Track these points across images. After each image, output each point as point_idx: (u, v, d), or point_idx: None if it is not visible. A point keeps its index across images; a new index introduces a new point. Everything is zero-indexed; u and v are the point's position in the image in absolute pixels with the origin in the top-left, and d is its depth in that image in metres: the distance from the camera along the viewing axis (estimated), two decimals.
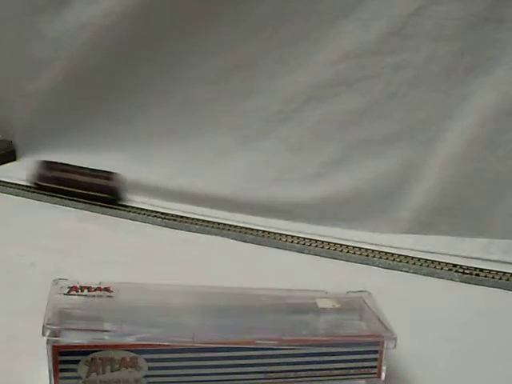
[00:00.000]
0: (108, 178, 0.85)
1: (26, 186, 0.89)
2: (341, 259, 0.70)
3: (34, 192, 0.87)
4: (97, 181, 0.85)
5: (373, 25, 0.73)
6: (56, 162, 0.88)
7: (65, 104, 0.92)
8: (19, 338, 0.50)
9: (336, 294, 0.51)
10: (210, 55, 0.82)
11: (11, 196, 0.87)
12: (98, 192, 0.84)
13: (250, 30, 0.79)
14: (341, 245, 0.72)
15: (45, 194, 0.86)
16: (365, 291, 0.51)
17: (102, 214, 0.82)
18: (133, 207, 0.83)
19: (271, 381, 0.45)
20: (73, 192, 0.85)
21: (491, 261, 0.68)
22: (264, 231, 0.76)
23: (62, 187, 0.86)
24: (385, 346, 0.45)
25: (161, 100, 0.87)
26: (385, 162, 0.75)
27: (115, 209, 0.82)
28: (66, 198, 0.85)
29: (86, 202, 0.84)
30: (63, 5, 0.87)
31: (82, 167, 0.87)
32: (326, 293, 0.51)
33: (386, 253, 0.71)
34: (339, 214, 0.77)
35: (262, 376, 0.45)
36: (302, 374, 0.45)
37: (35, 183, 0.88)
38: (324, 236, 0.74)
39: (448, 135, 0.72)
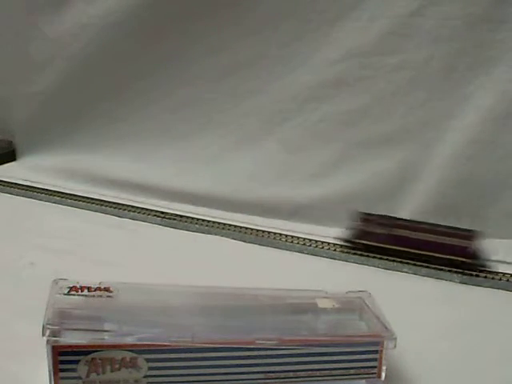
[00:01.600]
0: (465, 238, 0.67)
1: (28, 186, 0.89)
2: (340, 259, 0.70)
3: (34, 192, 0.87)
4: (449, 240, 0.67)
5: (373, 25, 0.73)
6: (382, 215, 0.71)
7: (65, 104, 0.92)
8: (19, 338, 0.50)
9: (336, 294, 0.51)
10: (210, 55, 0.82)
11: (11, 196, 0.87)
12: (451, 255, 0.67)
13: (250, 30, 0.79)
14: (341, 245, 0.72)
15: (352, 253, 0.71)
16: (365, 291, 0.51)
17: (103, 213, 0.82)
18: (133, 207, 0.83)
19: (271, 381, 0.45)
20: (409, 253, 0.68)
21: (491, 261, 0.68)
22: (264, 231, 0.76)
23: (395, 247, 0.68)
24: (385, 346, 0.45)
25: (161, 100, 0.87)
26: (385, 162, 0.76)
27: (115, 208, 0.82)
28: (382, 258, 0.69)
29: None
30: (63, 5, 0.87)
31: (423, 222, 0.70)
32: (326, 293, 0.51)
33: None
34: (339, 214, 0.77)
35: (261, 376, 0.45)
36: (302, 373, 0.45)
37: (350, 241, 0.71)
38: (323, 236, 0.74)
39: (448, 135, 0.72)
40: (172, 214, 0.81)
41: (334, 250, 0.72)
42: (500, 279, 0.65)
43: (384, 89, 0.74)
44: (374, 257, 0.69)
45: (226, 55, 0.81)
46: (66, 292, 0.46)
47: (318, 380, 0.46)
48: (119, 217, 0.81)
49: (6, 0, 0.92)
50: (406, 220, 0.70)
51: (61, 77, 0.90)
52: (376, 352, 0.45)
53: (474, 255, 0.66)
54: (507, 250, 0.69)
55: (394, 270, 0.68)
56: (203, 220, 0.79)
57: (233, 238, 0.75)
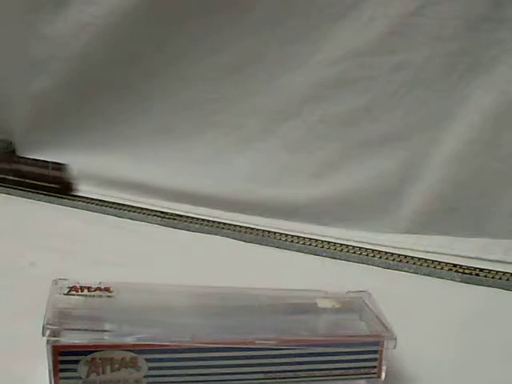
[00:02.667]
0: (58, 169, 0.87)
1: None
2: (341, 259, 0.70)
3: (33, 192, 0.87)
4: (48, 172, 0.87)
5: (373, 25, 0.73)
6: (10, 153, 0.92)
7: (65, 104, 0.92)
8: (19, 338, 0.50)
9: (336, 294, 0.51)
10: (210, 55, 0.82)
11: (11, 196, 0.87)
12: (49, 183, 0.86)
13: (250, 30, 0.79)
14: (341, 245, 0.72)
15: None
16: (365, 291, 0.51)
17: (103, 213, 0.82)
18: (133, 206, 0.83)
19: (271, 381, 0.45)
20: (26, 183, 0.88)
21: (491, 261, 0.68)
22: (264, 231, 0.76)
23: (16, 178, 0.88)
24: (385, 346, 0.45)
25: (160, 100, 0.86)
26: (385, 162, 0.75)
27: (115, 208, 0.82)
28: (15, 188, 0.87)
29: (39, 193, 0.86)
30: (63, 5, 0.87)
31: (33, 159, 0.89)
32: (326, 293, 0.51)
33: (386, 253, 0.71)
34: (339, 214, 0.77)
35: (261, 376, 0.45)
36: (302, 374, 0.45)
37: None
38: (324, 236, 0.75)
39: (448, 135, 0.72)
40: (172, 214, 0.81)
41: (335, 249, 0.72)
42: (500, 278, 0.65)
43: (384, 89, 0.74)
44: (341, 250, 0.72)
45: (225, 55, 0.81)
46: (65, 292, 0.47)
47: (317, 380, 0.46)
48: (119, 217, 0.81)
49: (5, 0, 0.92)
50: (18, 156, 0.91)
51: (61, 77, 0.90)
52: (376, 352, 0.45)
53: (63, 183, 0.86)
54: (507, 250, 0.69)
55: (393, 270, 0.68)
56: (203, 220, 0.79)
57: (233, 238, 0.75)
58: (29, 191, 0.87)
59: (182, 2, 0.81)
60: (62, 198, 0.85)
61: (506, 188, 0.71)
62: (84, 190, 0.87)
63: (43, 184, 0.87)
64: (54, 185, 0.86)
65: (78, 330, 0.43)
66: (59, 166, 0.87)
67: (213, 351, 0.44)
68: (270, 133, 0.81)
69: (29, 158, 0.89)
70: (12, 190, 0.89)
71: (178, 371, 0.44)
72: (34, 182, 0.87)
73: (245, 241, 0.74)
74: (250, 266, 0.66)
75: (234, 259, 0.68)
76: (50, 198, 0.86)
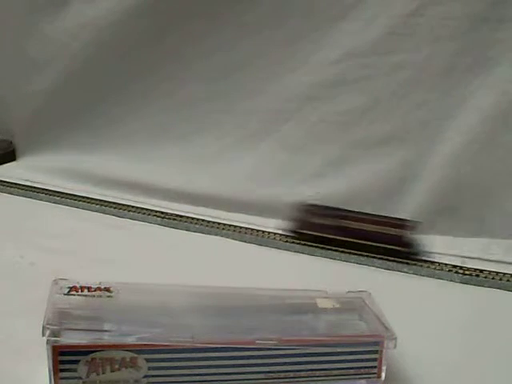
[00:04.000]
0: (399, 227, 0.69)
1: (28, 186, 0.89)
2: (340, 259, 0.70)
3: (33, 192, 0.87)
4: (383, 229, 0.69)
5: (373, 25, 0.73)
6: (320, 206, 0.73)
7: (65, 104, 0.92)
8: (19, 338, 0.50)
9: (336, 293, 0.51)
10: (210, 55, 0.82)
11: (11, 196, 0.87)
12: (386, 243, 0.68)
13: (250, 30, 0.79)
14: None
15: (303, 244, 0.72)
16: (365, 291, 0.51)
17: (103, 213, 0.82)
18: (133, 207, 0.83)
19: (271, 381, 0.45)
20: (349, 242, 0.70)
21: (491, 261, 0.68)
22: (264, 231, 0.76)
23: (332, 236, 0.70)
24: (385, 346, 0.45)
25: (160, 100, 0.87)
26: (385, 162, 0.75)
27: (115, 208, 0.82)
28: (328, 249, 0.71)
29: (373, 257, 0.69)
30: (63, 5, 0.87)
31: (360, 212, 0.72)
32: (326, 293, 0.51)
33: None
34: None
35: (261, 376, 0.45)
36: (302, 374, 0.45)
37: (294, 231, 0.73)
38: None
39: (448, 135, 0.72)
40: (172, 214, 0.81)
41: (321, 247, 0.72)
42: (500, 279, 0.65)
43: (384, 89, 0.74)
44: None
45: (225, 55, 0.81)
46: (66, 292, 0.47)
47: (318, 380, 0.46)
48: (119, 217, 0.81)
49: (5, 0, 0.92)
50: (344, 210, 0.72)
51: (60, 77, 0.90)
52: (376, 352, 0.45)
53: (407, 244, 0.69)
54: (507, 250, 0.69)
55: (394, 270, 0.68)
56: (203, 220, 0.79)
57: (233, 238, 0.75)
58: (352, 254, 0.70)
59: (182, 2, 0.81)
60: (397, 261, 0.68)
61: (506, 188, 0.71)
62: (84, 189, 0.87)
63: (377, 245, 0.69)
64: (394, 246, 0.68)
65: (78, 330, 0.43)
66: (401, 223, 0.70)
67: (213, 351, 0.44)
68: (270, 133, 0.81)
69: (353, 211, 0.72)
70: (14, 190, 0.88)
71: (178, 371, 0.44)
72: (369, 243, 0.69)
73: (245, 241, 0.74)
74: (250, 266, 0.66)
75: (234, 259, 0.68)
76: (50, 197, 0.86)
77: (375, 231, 0.69)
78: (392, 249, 0.68)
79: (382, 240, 0.69)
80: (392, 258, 0.68)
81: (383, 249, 0.68)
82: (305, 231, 0.72)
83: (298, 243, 0.73)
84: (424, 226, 0.69)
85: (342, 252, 0.70)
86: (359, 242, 0.69)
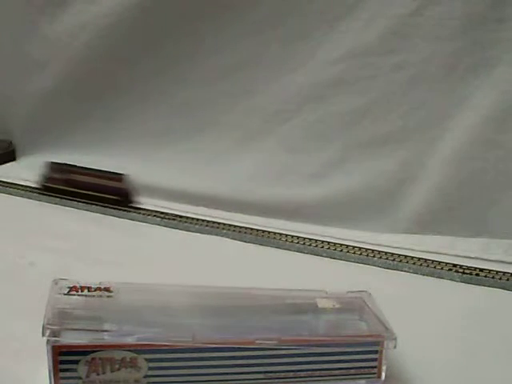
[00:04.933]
0: (118, 180, 0.83)
1: (27, 187, 0.89)
2: (341, 259, 0.70)
3: (33, 192, 0.87)
4: (106, 182, 0.84)
5: (373, 25, 0.73)
6: (64, 164, 0.87)
7: (65, 104, 0.92)
8: (19, 338, 0.50)
9: (336, 293, 0.51)
10: (210, 55, 0.82)
11: (11, 196, 0.87)
12: (109, 194, 0.83)
13: (250, 30, 0.79)
14: (341, 245, 0.72)
15: (52, 196, 0.85)
16: (365, 291, 0.51)
17: (103, 214, 0.82)
18: (133, 207, 0.83)
19: (271, 381, 0.45)
20: (81, 194, 0.84)
21: (491, 261, 0.68)
22: (264, 231, 0.76)
23: (70, 189, 0.85)
24: (385, 346, 0.45)
25: (161, 100, 0.87)
26: (385, 162, 0.75)
27: (115, 209, 0.82)
28: (73, 200, 0.84)
29: (91, 203, 0.83)
30: (63, 5, 0.87)
31: (90, 168, 0.85)
32: (326, 293, 0.51)
33: (386, 253, 0.71)
34: (339, 213, 0.77)
35: (261, 376, 0.45)
36: (302, 374, 0.45)
37: (43, 185, 0.87)
38: (324, 236, 0.74)
39: (448, 135, 0.72)
40: (172, 214, 0.81)
41: (335, 249, 0.72)
42: (500, 278, 0.65)
43: (384, 89, 0.74)
44: (341, 250, 0.72)
45: (225, 55, 0.81)
46: (66, 292, 0.46)
47: (318, 380, 0.46)
48: (119, 217, 0.81)
49: (5, 0, 0.92)
50: (79, 167, 0.86)
51: (60, 77, 0.90)
52: (376, 352, 0.45)
53: (124, 194, 0.83)
54: (507, 250, 0.69)
55: (393, 270, 0.68)
56: (203, 220, 0.79)
57: (233, 238, 0.75)
58: (83, 202, 0.83)
59: (183, 3, 0.81)
60: (119, 209, 0.82)
61: (506, 188, 0.71)
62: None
63: (101, 195, 0.83)
64: (114, 196, 0.83)
65: (78, 330, 0.43)
66: (119, 177, 0.84)
67: (213, 351, 0.44)
68: (270, 133, 0.81)
69: (83, 167, 0.86)
70: (14, 190, 0.89)
71: (178, 371, 0.44)
72: (90, 192, 0.83)
73: (245, 241, 0.74)
74: (250, 266, 0.66)
75: (234, 259, 0.68)
76: (50, 197, 0.86)
77: (97, 183, 0.84)
78: (111, 198, 0.83)
79: (102, 190, 0.83)
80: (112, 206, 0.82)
81: (103, 198, 0.83)
82: (49, 185, 0.86)
83: (300, 243, 0.73)
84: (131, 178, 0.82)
85: (354, 253, 0.71)
86: (86, 192, 0.84)
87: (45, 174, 0.87)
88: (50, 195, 0.85)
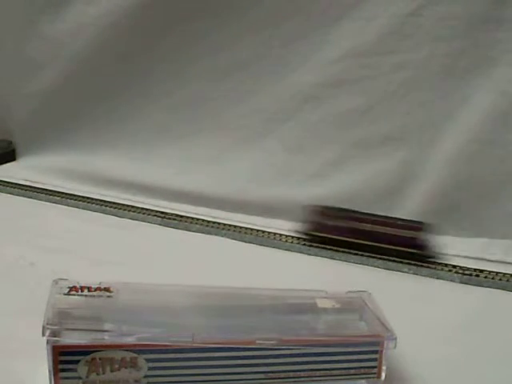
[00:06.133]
0: (413, 229, 0.69)
1: (28, 186, 0.89)
2: (341, 259, 0.70)
3: (34, 192, 0.87)
4: (399, 232, 0.69)
5: (373, 25, 0.73)
6: (333, 207, 0.73)
7: (64, 104, 0.92)
8: (19, 338, 0.50)
9: (336, 293, 0.51)
10: (210, 55, 0.82)
11: (11, 196, 0.87)
12: (402, 246, 0.68)
13: (251, 30, 0.79)
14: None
15: (313, 246, 0.72)
16: (365, 291, 0.51)
17: (103, 213, 0.82)
18: (133, 207, 0.83)
19: (271, 381, 0.45)
20: (365, 245, 0.70)
21: (491, 261, 0.68)
22: (264, 231, 0.76)
23: (348, 239, 0.70)
24: (385, 346, 0.45)
25: (161, 100, 0.87)
26: (385, 162, 0.75)
27: (115, 208, 0.82)
28: (348, 252, 0.71)
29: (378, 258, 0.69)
30: (63, 5, 0.87)
31: (373, 214, 0.71)
32: (326, 293, 0.51)
33: None
34: None
35: (262, 376, 0.45)
36: (302, 374, 0.45)
37: (308, 233, 0.73)
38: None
39: (448, 135, 0.72)
40: (172, 214, 0.81)
41: (335, 249, 0.72)
42: (500, 279, 0.65)
43: (384, 89, 0.74)
44: (332, 249, 0.70)
45: (225, 55, 0.81)
46: (66, 292, 0.46)
47: (318, 380, 0.46)
48: (119, 217, 0.81)
49: (5, 0, 0.92)
50: (359, 212, 0.72)
51: (60, 77, 0.90)
52: (376, 352, 0.45)
53: (422, 246, 0.68)
54: (507, 250, 0.69)
55: (393, 270, 0.68)
56: (203, 220, 0.79)
57: (233, 238, 0.75)
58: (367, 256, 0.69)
59: (183, 2, 0.81)
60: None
61: (505, 188, 0.71)
62: (84, 189, 0.87)
63: (392, 247, 0.68)
64: (409, 248, 0.68)
65: (78, 329, 0.43)
66: (415, 225, 0.69)
67: (213, 351, 0.44)
68: (270, 133, 0.81)
69: (361, 212, 0.72)
70: (14, 190, 0.88)
71: (178, 371, 0.44)
72: (375, 244, 0.69)
73: (245, 241, 0.74)
74: (250, 266, 0.66)
75: (234, 259, 0.68)
76: (50, 197, 0.86)
77: (389, 233, 0.69)
78: (406, 251, 0.68)
79: (396, 242, 0.68)
80: (400, 260, 0.68)
81: (397, 251, 0.68)
82: (318, 233, 0.72)
83: (300, 243, 0.73)
84: (434, 228, 0.69)
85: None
86: (373, 244, 0.69)
87: (310, 219, 0.72)
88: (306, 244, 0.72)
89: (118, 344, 0.42)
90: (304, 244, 0.72)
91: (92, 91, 0.89)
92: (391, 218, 0.70)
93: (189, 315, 0.47)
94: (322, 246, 0.71)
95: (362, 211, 0.72)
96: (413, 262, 0.68)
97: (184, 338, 0.43)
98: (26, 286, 0.59)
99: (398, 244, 0.68)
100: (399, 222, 0.70)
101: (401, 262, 0.68)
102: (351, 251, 0.70)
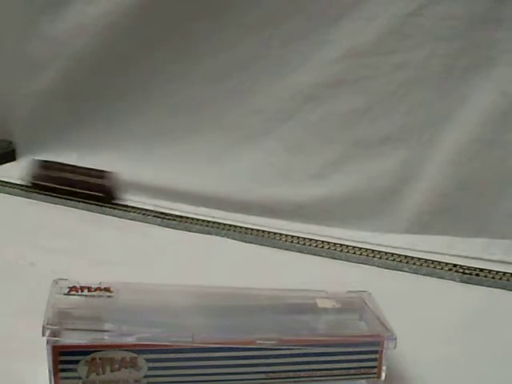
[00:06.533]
0: (103, 177, 0.86)
1: (24, 186, 0.89)
2: (341, 259, 0.70)
3: (32, 191, 0.87)
4: (92, 180, 0.86)
5: (373, 24, 0.73)
6: (52, 161, 0.89)
7: (65, 104, 0.92)
8: (19, 338, 0.50)
9: (336, 293, 0.51)
10: (210, 55, 0.82)
11: (11, 196, 0.87)
12: (94, 191, 0.85)
13: (250, 30, 0.79)
14: (341, 245, 0.72)
15: (40, 193, 0.87)
16: (365, 291, 0.51)
17: (102, 213, 0.82)
18: (133, 207, 0.83)
19: (271, 381, 0.45)
20: (67, 191, 0.85)
21: (491, 261, 0.68)
22: (264, 231, 0.76)
23: (57, 186, 0.86)
24: (385, 346, 0.45)
25: (161, 100, 0.87)
26: (385, 162, 0.75)
27: (115, 209, 0.83)
28: (61, 197, 0.85)
29: (84, 202, 0.84)
30: (63, 5, 0.87)
31: (77, 166, 0.87)
32: (326, 293, 0.51)
33: (386, 253, 0.71)
34: (339, 214, 0.77)
35: (262, 376, 0.45)
36: (302, 373, 0.45)
37: (31, 182, 0.89)
38: (324, 236, 0.74)
39: (448, 135, 0.72)
40: (172, 214, 0.81)
41: (335, 249, 0.72)
42: (500, 278, 0.65)
43: (384, 89, 0.74)
44: (341, 250, 0.71)
45: (225, 55, 0.81)
46: (66, 292, 0.46)
47: (318, 380, 0.46)
48: (119, 217, 0.81)
49: (5, 0, 0.92)
50: (66, 164, 0.88)
51: (60, 77, 0.90)
52: (376, 352, 0.45)
53: (108, 191, 0.85)
54: (507, 250, 0.69)
55: (393, 270, 0.68)
56: (203, 220, 0.79)
57: (233, 238, 0.75)
58: (70, 199, 0.85)
59: (183, 2, 0.81)
60: (103, 205, 0.84)
61: (505, 188, 0.71)
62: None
63: (86, 192, 0.85)
64: (98, 193, 0.84)
65: (78, 329, 0.43)
66: (103, 174, 0.86)
67: (213, 351, 0.44)
68: (270, 133, 0.81)
69: (70, 165, 0.88)
70: (12, 190, 0.89)
71: (178, 371, 0.44)
72: (75, 189, 0.85)
73: (245, 241, 0.74)
74: (250, 266, 0.66)
75: (235, 259, 0.68)
76: (51, 197, 0.86)
77: (82, 180, 0.86)
78: (94, 195, 0.84)
79: (87, 188, 0.85)
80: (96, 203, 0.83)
81: (87, 195, 0.84)
82: (38, 182, 0.88)
83: (299, 243, 0.73)
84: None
85: (394, 260, 0.70)
86: (70, 189, 0.85)
87: (33, 171, 0.89)
88: (39, 193, 0.87)
89: (118, 344, 0.42)
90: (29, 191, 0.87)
91: (92, 91, 0.89)
92: (85, 168, 0.87)
93: (189, 315, 0.47)
94: (42, 192, 0.86)
95: (72, 164, 0.88)
96: (398, 259, 0.69)
97: (184, 337, 0.43)
98: (26, 286, 0.59)
99: (88, 189, 0.85)
100: (90, 172, 0.86)
101: (414, 264, 0.68)
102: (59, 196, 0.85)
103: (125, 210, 0.82)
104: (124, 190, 0.85)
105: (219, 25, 0.80)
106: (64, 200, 0.85)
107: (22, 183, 0.89)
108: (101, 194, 0.84)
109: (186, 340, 0.43)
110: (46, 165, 0.89)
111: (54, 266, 0.60)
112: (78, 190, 0.85)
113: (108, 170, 0.86)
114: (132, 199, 0.85)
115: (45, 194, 0.86)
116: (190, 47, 0.83)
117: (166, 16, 0.82)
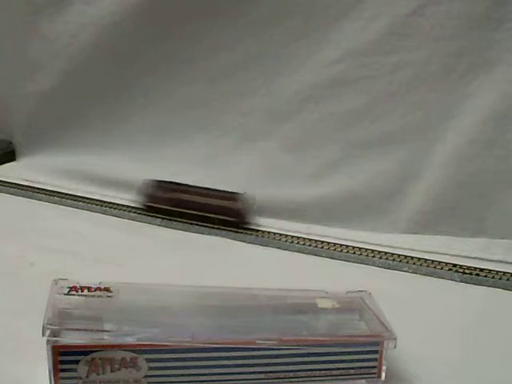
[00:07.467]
0: (232, 199, 0.78)
1: (27, 187, 0.89)
2: (341, 259, 0.70)
3: (34, 192, 0.87)
4: (219, 202, 0.78)
5: (373, 25, 0.73)
6: (169, 182, 0.81)
7: (64, 104, 0.92)
8: (19, 338, 0.50)
9: (336, 293, 0.51)
10: (210, 55, 0.82)
11: (11, 196, 0.87)
12: (221, 215, 0.77)
13: (250, 30, 0.79)
14: (341, 245, 0.72)
15: (155, 216, 0.80)
16: (365, 291, 0.51)
17: (102, 213, 0.82)
18: (133, 207, 0.83)
19: (271, 381, 0.45)
20: (190, 214, 0.78)
21: (491, 261, 0.68)
22: (264, 231, 0.76)
23: (177, 209, 0.78)
24: (385, 346, 0.45)
25: (160, 100, 0.87)
26: (385, 162, 0.75)
27: (115, 208, 0.82)
28: (180, 221, 0.78)
29: (200, 225, 0.77)
30: (63, 5, 0.87)
31: (200, 187, 0.80)
32: (326, 293, 0.51)
33: (386, 253, 0.71)
34: (339, 213, 0.77)
35: (261, 376, 0.45)
36: (302, 374, 0.45)
37: (145, 205, 0.81)
38: (324, 236, 0.74)
39: (448, 135, 0.72)
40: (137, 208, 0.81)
41: (335, 249, 0.72)
42: (500, 278, 0.65)
43: (384, 89, 0.74)
44: (341, 250, 0.71)
45: (225, 55, 0.81)
46: (66, 292, 0.47)
47: (317, 380, 0.46)
48: (119, 217, 0.81)
49: (5, 0, 0.92)
50: (185, 185, 0.81)
51: (60, 77, 0.90)
52: (376, 352, 0.45)
53: (238, 215, 0.77)
54: (507, 250, 0.69)
55: (393, 270, 0.68)
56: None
57: (233, 238, 0.75)
58: (190, 223, 0.77)
59: (182, 2, 0.81)
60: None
61: (505, 188, 0.71)
62: (83, 189, 0.87)
63: (212, 216, 0.77)
64: (226, 217, 0.77)
65: (78, 330, 0.43)
66: (232, 196, 0.78)
67: (213, 351, 0.44)
68: (270, 133, 0.81)
69: (192, 186, 0.80)
70: (14, 190, 0.88)
71: (178, 371, 0.44)
72: (199, 213, 0.77)
73: (245, 241, 0.74)
74: (251, 267, 0.66)
75: (235, 259, 0.68)
76: (50, 197, 0.86)
77: (210, 204, 0.78)
78: (225, 219, 0.77)
79: (215, 211, 0.77)
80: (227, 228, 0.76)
81: (217, 219, 0.77)
82: (153, 204, 0.80)
83: (299, 243, 0.73)
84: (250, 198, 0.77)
85: (394, 260, 0.70)
86: (197, 213, 0.78)
87: (147, 192, 0.81)
88: (147, 214, 0.80)
89: (117, 344, 0.42)
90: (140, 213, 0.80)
91: (92, 91, 0.89)
92: (213, 189, 0.79)
93: (189, 315, 0.47)
94: (157, 215, 0.79)
95: (190, 184, 0.80)
96: (397, 259, 0.69)
97: (184, 337, 0.43)
98: (26, 286, 0.59)
99: (217, 212, 0.77)
100: (219, 194, 0.78)
101: (414, 264, 0.68)
102: (178, 219, 0.78)
103: (125, 210, 0.82)
104: (257, 212, 0.78)
105: (219, 25, 0.80)
106: (65, 200, 0.85)
107: (133, 205, 0.82)
108: (230, 219, 0.76)
109: (186, 340, 0.43)
110: (162, 185, 0.81)
111: (54, 266, 0.60)
112: (203, 214, 0.77)
113: (238, 192, 0.78)
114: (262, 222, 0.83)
115: (156, 216, 0.80)
116: (189, 47, 0.83)
117: (165, 16, 0.82)
